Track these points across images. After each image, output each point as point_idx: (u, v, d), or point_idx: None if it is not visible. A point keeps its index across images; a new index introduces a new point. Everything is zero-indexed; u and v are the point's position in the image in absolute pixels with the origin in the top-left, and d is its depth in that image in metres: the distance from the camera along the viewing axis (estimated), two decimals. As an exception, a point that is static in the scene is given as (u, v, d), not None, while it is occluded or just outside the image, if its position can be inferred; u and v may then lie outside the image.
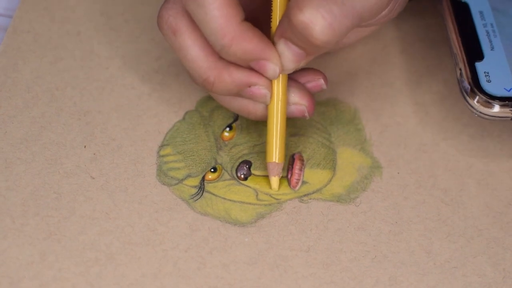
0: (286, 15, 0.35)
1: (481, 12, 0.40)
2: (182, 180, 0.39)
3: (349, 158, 0.40)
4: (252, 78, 0.37)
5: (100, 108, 0.41)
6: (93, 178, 0.39)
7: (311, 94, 0.39)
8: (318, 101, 0.42)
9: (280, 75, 0.37)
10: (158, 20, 0.37)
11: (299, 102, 0.38)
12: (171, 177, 0.39)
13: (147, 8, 0.45)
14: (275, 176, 0.38)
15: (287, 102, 0.38)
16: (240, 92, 0.37)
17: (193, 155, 0.40)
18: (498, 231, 0.38)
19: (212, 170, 0.39)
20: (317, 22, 0.34)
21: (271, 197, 0.39)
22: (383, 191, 0.39)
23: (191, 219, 0.38)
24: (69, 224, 0.37)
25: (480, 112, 0.38)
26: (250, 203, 0.39)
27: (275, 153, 0.38)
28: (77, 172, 0.39)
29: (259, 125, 0.41)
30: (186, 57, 0.37)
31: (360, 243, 0.38)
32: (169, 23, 0.37)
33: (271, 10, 0.37)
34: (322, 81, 0.38)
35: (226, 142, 0.40)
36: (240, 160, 0.40)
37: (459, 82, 0.38)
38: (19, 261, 0.36)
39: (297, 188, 0.39)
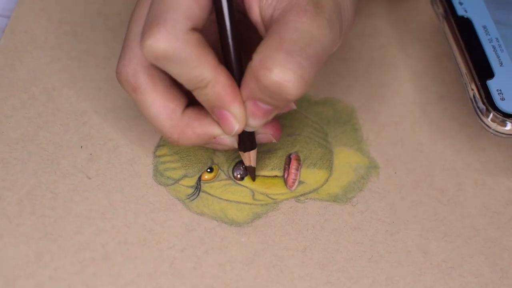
0: (254, 77, 0.34)
1: (484, 27, 0.40)
2: (179, 180, 0.39)
3: (346, 158, 0.40)
4: (215, 130, 0.36)
5: (96, 108, 0.41)
6: (90, 178, 0.39)
7: (276, 120, 0.38)
8: (315, 100, 0.42)
9: None
10: (117, 77, 0.36)
11: (265, 132, 0.38)
12: (168, 177, 0.39)
13: (144, 9, 0.45)
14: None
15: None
16: (207, 143, 0.37)
17: (190, 155, 0.40)
18: (495, 231, 0.38)
19: (208, 170, 0.39)
20: (289, 78, 0.33)
21: (268, 197, 0.39)
22: (380, 191, 0.39)
23: (187, 219, 0.38)
24: (65, 224, 0.37)
25: (496, 131, 0.37)
26: (246, 203, 0.39)
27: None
28: (73, 172, 0.39)
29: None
30: (148, 115, 0.36)
31: (356, 243, 0.37)
32: (128, 81, 0.36)
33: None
34: (271, 136, 0.38)
35: (223, 142, 0.40)
36: (236, 160, 0.40)
37: (473, 102, 0.38)
38: (15, 261, 0.36)
39: (293, 188, 0.39)
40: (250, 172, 0.39)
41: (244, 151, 0.38)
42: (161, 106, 0.36)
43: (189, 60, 0.33)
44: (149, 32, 0.33)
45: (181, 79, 0.34)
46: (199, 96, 0.35)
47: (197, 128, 0.36)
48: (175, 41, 0.33)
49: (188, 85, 0.35)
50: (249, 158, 0.38)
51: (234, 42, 0.35)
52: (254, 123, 0.35)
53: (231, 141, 0.37)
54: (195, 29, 0.34)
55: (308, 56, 0.33)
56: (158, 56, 0.33)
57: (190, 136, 0.36)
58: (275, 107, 0.35)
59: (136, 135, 0.40)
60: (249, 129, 0.36)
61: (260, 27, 0.36)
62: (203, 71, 0.34)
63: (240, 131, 0.35)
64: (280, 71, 0.33)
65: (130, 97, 0.36)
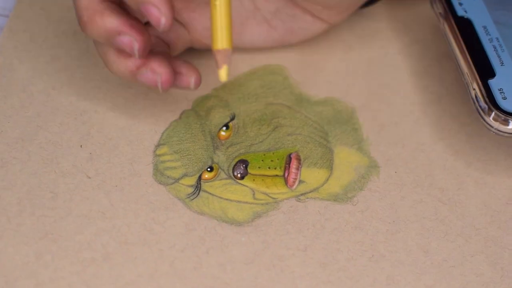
0: None
1: (485, 27, 0.40)
2: (179, 179, 0.39)
3: (346, 158, 0.40)
4: (124, 27, 0.36)
5: (96, 107, 0.41)
6: (89, 178, 0.39)
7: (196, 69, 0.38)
8: (315, 100, 0.42)
9: None
10: None
11: (187, 74, 0.38)
12: (168, 177, 0.39)
13: (144, 8, 0.45)
14: (224, 65, 0.37)
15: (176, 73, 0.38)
16: (110, 40, 0.37)
17: (190, 154, 0.40)
18: (496, 230, 0.38)
19: (208, 169, 0.39)
20: None
21: (268, 196, 0.39)
22: (380, 190, 0.39)
23: (188, 219, 0.38)
24: (65, 223, 0.37)
25: (499, 130, 0.37)
26: (246, 202, 0.38)
27: (221, 38, 0.36)
28: (73, 172, 0.39)
29: (256, 125, 0.41)
30: None
31: (357, 242, 0.37)
32: None
33: None
34: (192, 80, 0.38)
35: (223, 142, 0.40)
36: (236, 160, 0.40)
37: (475, 102, 0.38)
38: (15, 261, 0.36)
39: (294, 187, 0.39)
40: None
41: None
42: None
43: None
44: None
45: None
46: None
47: (107, 18, 0.36)
48: None
49: None
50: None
51: None
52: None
53: (131, 44, 0.36)
54: None
55: None
56: None
57: (98, 22, 0.36)
58: None
59: (136, 134, 0.40)
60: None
61: None
62: None
63: (167, 24, 0.35)
64: None
65: None
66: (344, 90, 0.43)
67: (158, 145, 0.40)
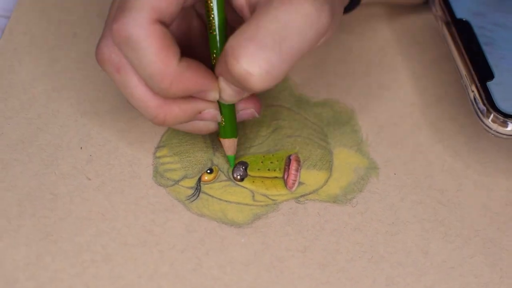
0: (224, 60, 0.34)
1: (483, 29, 0.40)
2: (179, 181, 0.39)
3: (345, 159, 0.40)
4: (200, 104, 0.36)
5: (96, 109, 0.41)
6: (89, 179, 0.39)
7: (255, 95, 0.38)
8: (315, 102, 0.42)
9: None
10: (98, 57, 0.35)
11: (246, 107, 0.38)
12: (168, 178, 0.39)
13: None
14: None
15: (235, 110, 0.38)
16: (191, 119, 0.37)
17: (189, 157, 0.40)
18: (495, 232, 0.38)
19: (208, 171, 0.39)
20: (254, 72, 0.33)
21: (268, 198, 0.39)
22: (379, 191, 0.39)
23: (188, 220, 0.38)
24: (65, 225, 0.37)
25: (497, 132, 0.37)
26: (246, 204, 0.39)
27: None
28: (73, 173, 0.39)
29: (255, 127, 0.41)
30: (132, 96, 0.36)
31: (356, 243, 0.38)
32: (111, 60, 0.35)
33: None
34: (253, 111, 0.39)
35: (223, 143, 0.40)
36: (236, 161, 0.40)
37: (473, 104, 0.38)
38: (15, 262, 0.36)
39: (293, 189, 0.39)
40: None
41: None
42: (147, 86, 0.35)
43: (148, 53, 0.33)
44: (116, 17, 0.33)
45: (141, 73, 0.34)
46: (168, 96, 0.35)
47: (183, 105, 0.36)
48: (138, 29, 0.33)
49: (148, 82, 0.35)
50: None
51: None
52: (227, 98, 0.36)
53: (214, 114, 0.37)
54: (161, 22, 0.34)
55: (281, 51, 0.33)
56: (121, 41, 0.33)
57: (177, 113, 0.36)
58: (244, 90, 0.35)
59: (136, 136, 0.40)
60: (224, 102, 0.37)
61: (246, 13, 0.35)
62: (161, 68, 0.34)
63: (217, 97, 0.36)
64: (246, 64, 0.33)
65: (110, 78, 0.36)
66: (344, 91, 0.43)
67: (158, 147, 0.40)
